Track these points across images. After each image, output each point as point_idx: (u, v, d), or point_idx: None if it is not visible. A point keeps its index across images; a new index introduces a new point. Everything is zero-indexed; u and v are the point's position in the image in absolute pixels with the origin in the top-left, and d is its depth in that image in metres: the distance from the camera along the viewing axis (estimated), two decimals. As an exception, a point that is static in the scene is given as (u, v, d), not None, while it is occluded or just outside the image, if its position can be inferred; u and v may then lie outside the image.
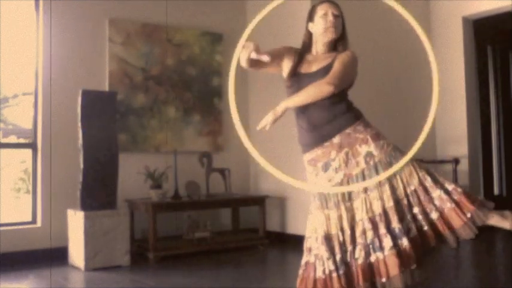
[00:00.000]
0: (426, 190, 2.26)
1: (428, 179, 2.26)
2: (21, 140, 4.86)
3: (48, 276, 3.87)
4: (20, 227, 4.41)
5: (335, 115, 2.31)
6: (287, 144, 5.14)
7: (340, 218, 2.25)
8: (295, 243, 4.98)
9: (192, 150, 5.13)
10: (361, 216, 2.23)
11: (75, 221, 4.14)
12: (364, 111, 2.53)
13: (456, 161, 5.48)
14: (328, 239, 2.24)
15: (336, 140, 2.30)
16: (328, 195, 2.27)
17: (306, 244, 2.34)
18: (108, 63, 4.80)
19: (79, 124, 4.17)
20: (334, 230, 2.25)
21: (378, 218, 2.22)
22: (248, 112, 5.41)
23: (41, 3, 4.56)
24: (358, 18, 5.42)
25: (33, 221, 4.48)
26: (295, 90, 2.29)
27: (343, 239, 2.24)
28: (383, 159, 2.26)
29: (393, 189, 2.24)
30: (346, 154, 2.28)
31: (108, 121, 4.25)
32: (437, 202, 2.25)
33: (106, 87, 4.76)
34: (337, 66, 2.27)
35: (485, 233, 5.47)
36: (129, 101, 4.89)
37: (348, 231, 2.24)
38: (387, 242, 2.18)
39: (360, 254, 2.21)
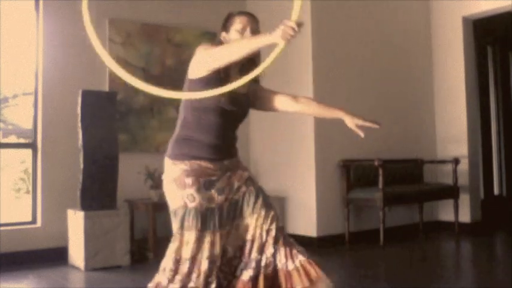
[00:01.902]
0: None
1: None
2: (21, 140, 4.86)
3: (48, 276, 3.87)
4: (20, 227, 4.41)
5: (234, 140, 2.23)
6: (288, 143, 5.14)
7: (213, 243, 2.04)
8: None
9: (192, 150, 5.12)
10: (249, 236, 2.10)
11: (75, 221, 4.14)
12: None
13: (456, 161, 5.48)
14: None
15: (226, 162, 2.15)
16: (212, 214, 2.06)
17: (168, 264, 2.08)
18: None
19: (79, 124, 4.17)
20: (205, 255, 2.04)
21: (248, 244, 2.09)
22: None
23: (41, 3, 4.56)
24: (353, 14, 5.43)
25: (33, 221, 4.48)
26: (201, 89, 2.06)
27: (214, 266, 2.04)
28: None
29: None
30: (229, 178, 2.14)
31: (108, 121, 4.25)
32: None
33: (106, 87, 4.76)
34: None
35: (485, 233, 5.47)
36: (129, 101, 4.89)
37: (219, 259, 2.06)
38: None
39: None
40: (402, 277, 3.76)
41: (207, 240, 2.04)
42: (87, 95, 4.20)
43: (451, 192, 5.49)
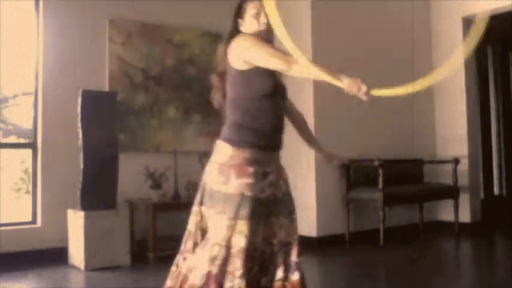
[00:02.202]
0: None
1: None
2: (21, 140, 4.85)
3: (48, 276, 3.87)
4: (20, 227, 4.41)
5: (283, 130, 2.23)
6: (288, 143, 5.14)
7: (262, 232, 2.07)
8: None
9: (192, 150, 5.12)
10: (278, 237, 2.11)
11: (75, 221, 4.14)
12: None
13: (456, 161, 5.48)
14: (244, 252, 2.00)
15: (276, 154, 2.18)
16: (261, 205, 2.06)
17: (212, 252, 2.02)
18: (108, 63, 4.79)
19: (79, 124, 4.16)
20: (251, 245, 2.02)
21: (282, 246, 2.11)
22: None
23: (41, 3, 4.56)
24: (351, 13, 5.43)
25: (33, 221, 4.47)
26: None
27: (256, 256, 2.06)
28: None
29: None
30: (278, 172, 2.18)
31: (108, 121, 4.25)
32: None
33: (106, 87, 4.76)
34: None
35: (485, 233, 5.47)
36: (129, 101, 4.89)
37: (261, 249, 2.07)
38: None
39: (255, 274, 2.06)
40: (402, 277, 3.76)
41: (255, 229, 2.03)
42: (87, 95, 4.20)
43: (451, 192, 5.49)
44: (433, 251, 4.86)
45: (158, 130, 5.04)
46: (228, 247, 2.00)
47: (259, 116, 2.09)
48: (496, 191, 6.67)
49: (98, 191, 4.15)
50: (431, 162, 5.77)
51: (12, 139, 5.02)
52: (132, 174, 4.60)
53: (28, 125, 4.66)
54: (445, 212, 5.84)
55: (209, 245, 2.04)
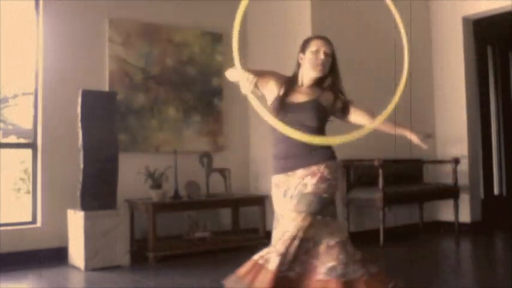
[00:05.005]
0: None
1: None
2: (21, 140, 4.85)
3: (48, 276, 3.87)
4: (20, 227, 4.41)
5: (310, 150, 2.39)
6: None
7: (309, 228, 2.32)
8: (295, 243, 4.98)
9: (192, 150, 5.12)
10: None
11: (75, 221, 4.14)
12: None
13: (456, 161, 5.48)
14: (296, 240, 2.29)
15: (300, 172, 2.41)
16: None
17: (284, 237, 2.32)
18: (108, 63, 4.80)
19: (79, 124, 4.17)
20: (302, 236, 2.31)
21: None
22: (247, 112, 5.41)
23: (41, 3, 4.56)
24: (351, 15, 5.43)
25: (33, 221, 4.48)
26: (281, 116, 2.37)
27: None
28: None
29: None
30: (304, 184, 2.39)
31: (108, 121, 4.25)
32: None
33: (106, 87, 4.76)
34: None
35: (485, 233, 5.47)
36: (129, 101, 4.89)
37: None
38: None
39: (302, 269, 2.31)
40: (402, 277, 3.76)
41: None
42: (87, 95, 4.20)
43: (451, 192, 5.49)
44: (433, 251, 4.86)
45: (158, 130, 5.04)
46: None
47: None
48: (496, 191, 6.67)
49: (98, 191, 4.15)
50: (432, 162, 5.77)
51: (12, 139, 5.02)
52: (132, 174, 4.61)
53: (28, 125, 4.66)
54: (445, 212, 5.84)
55: None
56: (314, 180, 2.35)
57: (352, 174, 5.08)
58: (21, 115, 5.12)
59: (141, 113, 4.96)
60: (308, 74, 2.48)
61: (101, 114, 4.22)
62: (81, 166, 4.13)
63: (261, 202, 4.97)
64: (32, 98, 4.60)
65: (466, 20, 5.83)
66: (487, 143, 6.49)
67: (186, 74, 5.26)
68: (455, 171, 5.48)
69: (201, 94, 5.33)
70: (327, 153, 2.44)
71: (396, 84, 2.19)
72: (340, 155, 5.02)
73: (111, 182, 4.22)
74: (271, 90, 2.49)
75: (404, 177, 5.52)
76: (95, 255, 4.03)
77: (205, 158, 4.99)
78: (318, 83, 2.52)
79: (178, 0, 5.23)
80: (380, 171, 4.77)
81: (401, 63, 2.48)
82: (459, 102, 5.80)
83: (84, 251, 4.00)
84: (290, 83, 2.49)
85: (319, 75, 2.46)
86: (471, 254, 4.88)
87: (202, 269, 4.06)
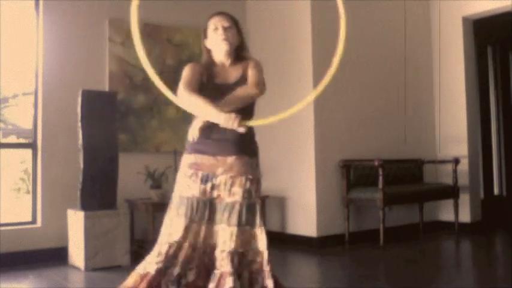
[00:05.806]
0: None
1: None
2: (21, 140, 4.86)
3: (48, 276, 3.87)
4: (20, 227, 4.41)
5: (244, 138, 2.30)
6: (288, 143, 5.14)
7: (197, 234, 2.28)
8: (295, 243, 4.99)
9: (192, 150, 5.12)
10: (222, 247, 2.24)
11: (75, 221, 4.14)
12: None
13: (456, 161, 5.48)
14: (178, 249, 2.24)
15: (230, 160, 2.30)
16: (198, 206, 2.30)
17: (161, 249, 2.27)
18: (108, 63, 4.80)
19: (79, 124, 4.17)
20: (187, 243, 2.25)
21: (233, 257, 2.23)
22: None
23: (41, 3, 4.56)
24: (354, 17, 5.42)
25: (33, 221, 4.48)
26: (217, 100, 2.26)
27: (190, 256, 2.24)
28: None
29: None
30: (231, 178, 2.29)
31: (108, 121, 4.26)
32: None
33: (106, 87, 4.76)
34: (254, 72, 2.33)
35: (485, 233, 5.46)
36: (129, 101, 4.89)
37: (199, 252, 2.26)
38: (228, 281, 2.17)
39: (196, 277, 2.23)
40: (402, 277, 3.76)
41: (193, 229, 2.28)
42: (87, 95, 4.20)
43: (451, 192, 5.49)
44: (433, 251, 4.86)
45: (158, 130, 5.05)
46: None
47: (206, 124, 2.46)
48: (496, 191, 6.67)
49: (98, 191, 4.15)
50: (432, 162, 5.77)
51: (12, 139, 5.02)
52: (132, 174, 4.61)
53: (28, 125, 4.66)
54: (445, 212, 5.84)
55: None
56: (247, 183, 2.28)
57: (352, 174, 5.07)
58: (21, 115, 5.12)
59: (141, 113, 4.96)
60: (219, 53, 2.41)
61: (101, 114, 4.22)
62: (81, 166, 4.13)
63: (261, 202, 4.96)
64: (32, 98, 4.60)
65: (466, 20, 5.83)
66: (487, 143, 6.49)
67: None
68: (455, 171, 5.48)
69: (201, 94, 5.33)
70: (256, 144, 2.40)
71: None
72: (340, 155, 5.07)
73: (111, 182, 4.22)
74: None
75: (404, 177, 5.52)
76: (95, 255, 4.04)
77: (205, 158, 4.99)
78: (237, 56, 2.43)
79: (178, 0, 5.23)
80: (380, 171, 4.77)
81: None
82: (459, 102, 5.80)
83: (84, 251, 4.00)
84: (208, 68, 2.42)
85: (226, 49, 2.37)
86: (471, 254, 4.88)
87: (202, 269, 4.05)
